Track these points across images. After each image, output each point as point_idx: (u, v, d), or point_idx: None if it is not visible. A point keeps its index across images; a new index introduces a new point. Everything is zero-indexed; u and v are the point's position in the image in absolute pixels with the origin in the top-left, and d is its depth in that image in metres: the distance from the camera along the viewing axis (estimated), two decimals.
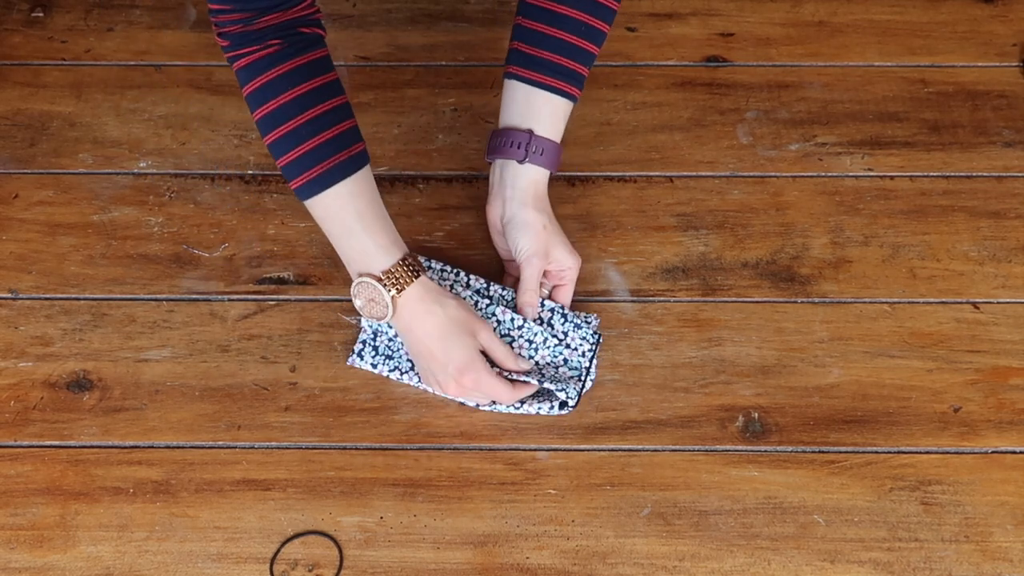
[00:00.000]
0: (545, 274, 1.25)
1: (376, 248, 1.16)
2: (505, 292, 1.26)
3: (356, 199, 1.15)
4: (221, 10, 1.11)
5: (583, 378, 1.21)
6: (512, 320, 1.23)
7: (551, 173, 1.25)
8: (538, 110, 1.23)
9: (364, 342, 1.24)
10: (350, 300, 1.29)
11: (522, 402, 1.20)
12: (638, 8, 1.57)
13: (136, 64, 1.51)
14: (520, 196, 1.23)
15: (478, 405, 1.21)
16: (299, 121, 1.13)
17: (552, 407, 1.20)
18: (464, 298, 1.24)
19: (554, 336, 1.23)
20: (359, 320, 1.25)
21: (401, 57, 1.52)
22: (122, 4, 1.58)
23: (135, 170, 1.40)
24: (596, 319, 1.25)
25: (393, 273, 1.15)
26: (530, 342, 1.23)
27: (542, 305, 1.25)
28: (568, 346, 1.23)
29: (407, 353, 1.23)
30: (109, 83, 1.49)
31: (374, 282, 1.15)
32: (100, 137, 1.44)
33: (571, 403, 1.19)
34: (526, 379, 1.19)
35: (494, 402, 1.20)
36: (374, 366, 1.22)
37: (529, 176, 1.23)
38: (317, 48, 1.15)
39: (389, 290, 1.15)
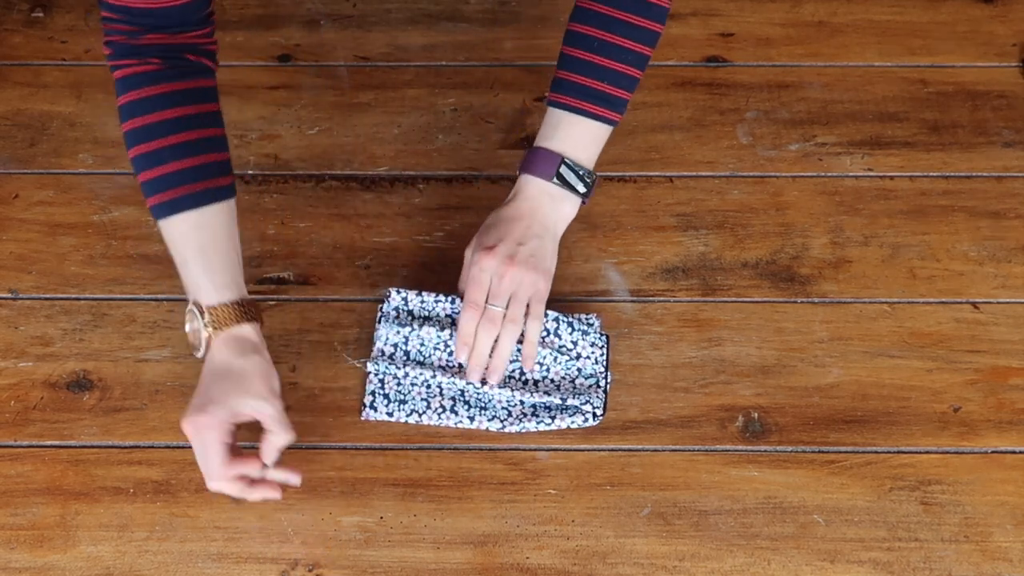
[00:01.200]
0: None
1: (209, 284, 1.12)
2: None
3: (201, 231, 1.13)
4: (110, 18, 1.12)
5: (602, 384, 1.21)
6: (519, 350, 1.22)
7: (548, 182, 1.20)
8: (552, 126, 1.20)
9: (373, 393, 1.22)
10: (351, 301, 1.30)
11: (552, 418, 1.19)
12: None
13: None
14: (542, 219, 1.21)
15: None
16: (161, 143, 1.12)
17: (586, 419, 1.19)
18: (437, 341, 1.23)
19: (561, 351, 1.22)
20: (364, 362, 1.24)
21: (401, 57, 1.52)
22: None
23: None
24: (597, 319, 1.25)
25: (218, 311, 1.12)
26: (540, 364, 1.22)
27: (546, 315, 1.23)
28: (580, 356, 1.22)
29: (420, 393, 1.22)
30: (109, 83, 1.48)
31: (197, 313, 1.12)
32: (100, 137, 1.44)
33: (599, 412, 1.19)
34: (546, 399, 1.19)
35: (524, 417, 1.19)
36: (390, 414, 1.20)
37: (519, 183, 1.22)
38: (200, 77, 1.15)
39: (207, 327, 1.11)
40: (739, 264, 1.32)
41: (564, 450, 1.19)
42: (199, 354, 1.14)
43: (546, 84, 1.49)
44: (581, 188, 1.20)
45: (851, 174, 1.40)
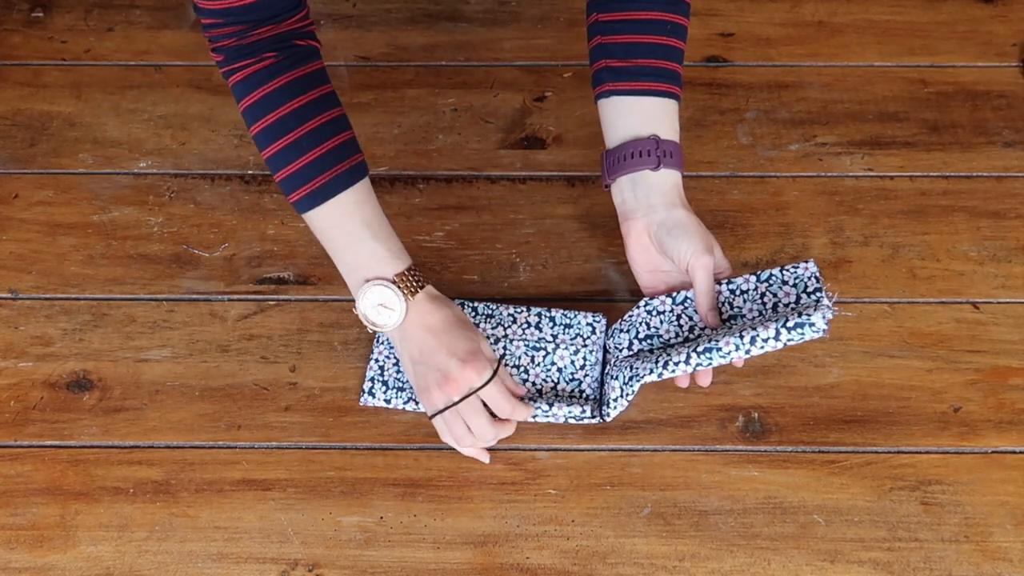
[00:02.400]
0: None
1: (388, 253, 1.14)
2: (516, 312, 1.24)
3: (362, 207, 1.14)
4: (214, 24, 1.11)
5: (825, 301, 1.11)
6: (572, 362, 1.22)
7: (639, 171, 1.18)
8: (652, 115, 1.18)
9: (372, 379, 1.22)
10: (351, 301, 1.29)
11: (549, 404, 1.18)
12: None
13: (136, 64, 1.51)
14: (668, 201, 1.17)
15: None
16: (298, 134, 1.12)
17: (585, 412, 1.18)
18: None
19: (777, 308, 1.15)
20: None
21: (401, 57, 1.52)
22: (122, 4, 1.58)
23: (135, 170, 1.41)
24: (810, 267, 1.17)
25: (406, 276, 1.14)
26: (595, 377, 1.22)
27: (593, 317, 1.23)
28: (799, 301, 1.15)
29: None
30: (109, 83, 1.49)
31: (390, 285, 1.14)
32: (100, 137, 1.44)
33: (818, 323, 1.08)
34: (541, 408, 1.18)
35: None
36: (387, 401, 1.21)
37: (669, 180, 1.18)
38: (313, 60, 1.15)
39: (404, 293, 1.14)
40: (739, 264, 1.32)
41: (564, 450, 1.19)
42: (390, 326, 1.14)
43: (546, 84, 1.49)
44: (675, 164, 1.19)
45: (851, 174, 1.40)
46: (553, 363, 1.22)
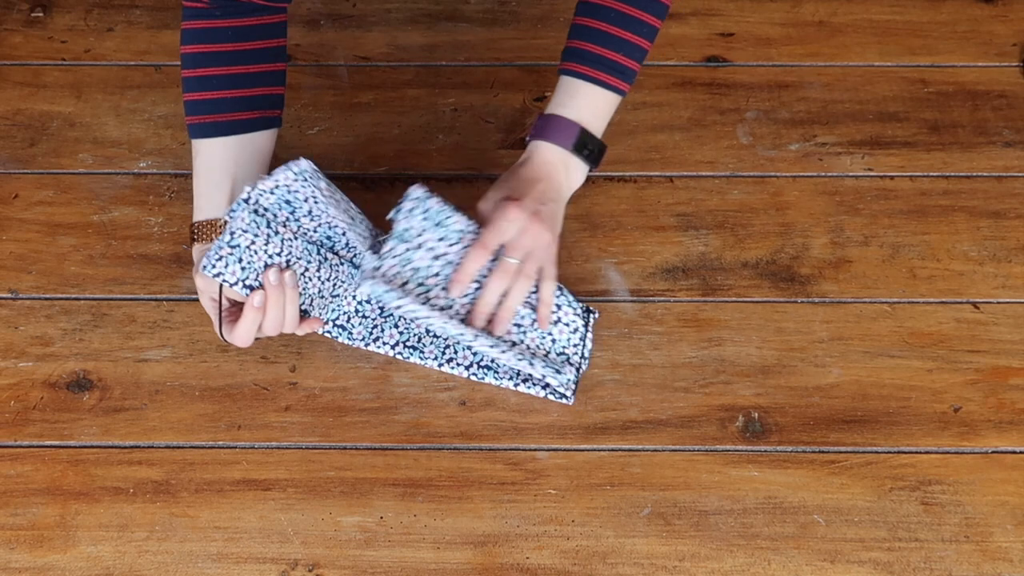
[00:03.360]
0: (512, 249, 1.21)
1: (203, 202, 1.20)
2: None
3: (228, 151, 1.20)
4: None
5: (574, 362, 1.22)
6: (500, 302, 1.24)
7: (566, 150, 1.22)
8: (568, 95, 1.22)
9: (347, 314, 1.25)
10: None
11: (520, 382, 1.21)
12: None
13: (136, 64, 1.51)
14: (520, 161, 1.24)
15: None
16: (216, 72, 1.20)
17: (551, 396, 1.21)
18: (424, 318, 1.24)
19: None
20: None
21: (401, 57, 1.52)
22: (122, 4, 1.58)
23: (135, 170, 1.41)
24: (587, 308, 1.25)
25: (202, 227, 1.18)
26: (518, 326, 1.23)
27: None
28: (559, 320, 1.23)
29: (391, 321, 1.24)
30: (109, 83, 1.49)
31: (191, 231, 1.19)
32: (100, 137, 1.44)
33: (564, 391, 1.21)
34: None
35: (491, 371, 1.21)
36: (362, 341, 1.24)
37: (525, 152, 1.23)
38: (265, 14, 1.21)
39: (193, 240, 1.19)
40: (739, 264, 1.32)
41: (564, 450, 1.19)
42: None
43: (546, 84, 1.49)
44: (592, 159, 1.23)
45: (851, 174, 1.40)
46: (549, 333, 1.23)
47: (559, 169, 1.22)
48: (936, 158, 1.42)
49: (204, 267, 1.10)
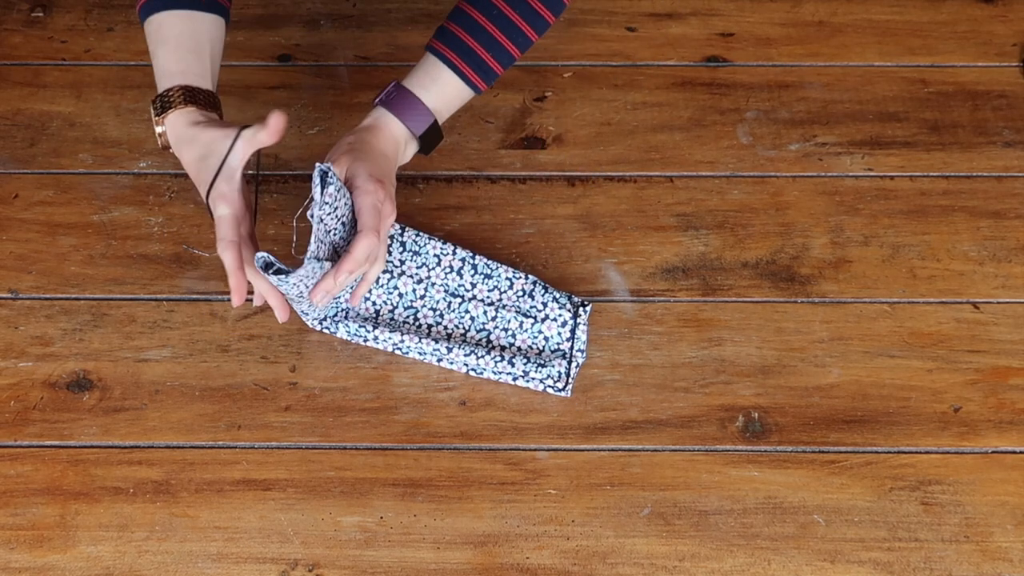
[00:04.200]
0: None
1: (163, 74, 1.17)
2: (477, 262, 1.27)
3: (172, 28, 1.17)
4: None
5: (568, 356, 1.22)
6: (485, 312, 1.25)
7: (412, 134, 1.21)
8: (431, 77, 1.22)
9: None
10: None
11: (516, 379, 1.22)
12: (638, 8, 1.57)
13: (136, 64, 1.51)
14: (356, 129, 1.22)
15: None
16: None
17: (548, 389, 1.22)
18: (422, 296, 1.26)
19: (529, 314, 1.24)
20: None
21: (401, 57, 1.52)
22: (122, 4, 1.58)
23: (135, 170, 1.41)
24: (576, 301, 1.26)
25: (164, 97, 1.16)
26: (506, 330, 1.24)
27: (525, 277, 1.26)
28: (547, 317, 1.24)
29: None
30: (109, 83, 1.49)
31: (149, 104, 1.18)
32: (100, 137, 1.44)
33: (560, 385, 1.21)
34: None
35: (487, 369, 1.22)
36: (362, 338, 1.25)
37: (373, 116, 1.21)
38: None
39: (156, 113, 1.16)
40: (739, 264, 1.32)
41: (564, 450, 1.19)
42: (163, 147, 1.17)
43: (546, 84, 1.49)
44: (426, 148, 1.24)
45: (851, 174, 1.40)
46: (540, 331, 1.24)
47: (400, 146, 1.22)
48: (936, 158, 1.42)
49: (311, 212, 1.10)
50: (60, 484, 1.17)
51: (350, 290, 1.22)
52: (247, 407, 1.22)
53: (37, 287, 1.31)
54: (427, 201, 1.38)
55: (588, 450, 1.19)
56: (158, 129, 1.16)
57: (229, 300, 1.29)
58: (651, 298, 1.30)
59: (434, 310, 1.25)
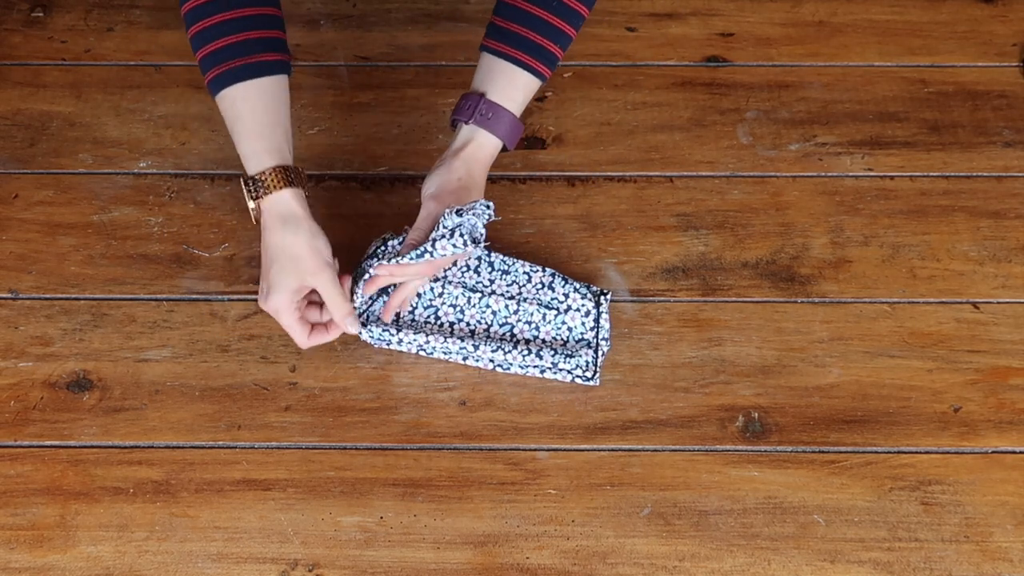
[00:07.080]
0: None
1: (250, 153, 1.18)
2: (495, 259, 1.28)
3: (246, 103, 1.18)
4: None
5: (593, 344, 1.23)
6: (507, 306, 1.25)
7: (501, 143, 1.23)
8: (495, 78, 1.23)
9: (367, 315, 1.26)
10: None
11: (543, 372, 1.23)
12: (638, 8, 1.57)
13: (136, 64, 1.51)
14: (454, 150, 1.23)
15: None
16: (218, 19, 1.16)
17: (577, 380, 1.22)
18: (443, 295, 1.26)
19: (551, 305, 1.25)
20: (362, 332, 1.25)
21: (401, 57, 1.52)
22: (122, 4, 1.58)
23: (135, 170, 1.41)
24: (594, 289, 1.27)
25: (258, 180, 1.17)
26: (529, 323, 1.24)
27: (543, 270, 1.26)
28: (569, 308, 1.25)
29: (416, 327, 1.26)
30: (109, 83, 1.49)
31: (243, 185, 1.18)
32: (100, 137, 1.44)
33: (589, 375, 1.22)
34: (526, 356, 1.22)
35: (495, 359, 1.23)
36: (398, 342, 1.25)
37: (472, 137, 1.23)
38: None
39: (251, 196, 1.17)
40: (739, 264, 1.32)
41: (564, 450, 1.19)
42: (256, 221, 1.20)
43: (546, 84, 1.49)
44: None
45: (851, 174, 1.40)
46: (564, 323, 1.25)
47: (487, 166, 1.24)
48: (936, 158, 1.42)
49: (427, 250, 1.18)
50: (60, 484, 1.17)
51: (384, 300, 1.25)
52: (247, 407, 1.22)
53: (37, 287, 1.31)
54: None
55: (588, 450, 1.19)
56: (251, 204, 1.18)
57: (229, 300, 1.29)
58: (651, 298, 1.30)
59: (454, 307, 1.26)
